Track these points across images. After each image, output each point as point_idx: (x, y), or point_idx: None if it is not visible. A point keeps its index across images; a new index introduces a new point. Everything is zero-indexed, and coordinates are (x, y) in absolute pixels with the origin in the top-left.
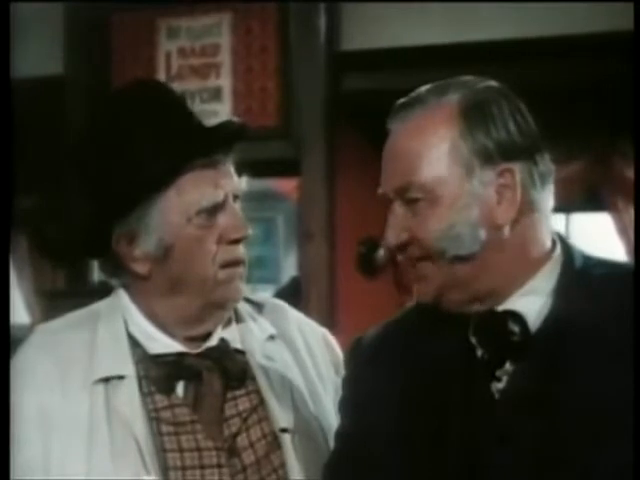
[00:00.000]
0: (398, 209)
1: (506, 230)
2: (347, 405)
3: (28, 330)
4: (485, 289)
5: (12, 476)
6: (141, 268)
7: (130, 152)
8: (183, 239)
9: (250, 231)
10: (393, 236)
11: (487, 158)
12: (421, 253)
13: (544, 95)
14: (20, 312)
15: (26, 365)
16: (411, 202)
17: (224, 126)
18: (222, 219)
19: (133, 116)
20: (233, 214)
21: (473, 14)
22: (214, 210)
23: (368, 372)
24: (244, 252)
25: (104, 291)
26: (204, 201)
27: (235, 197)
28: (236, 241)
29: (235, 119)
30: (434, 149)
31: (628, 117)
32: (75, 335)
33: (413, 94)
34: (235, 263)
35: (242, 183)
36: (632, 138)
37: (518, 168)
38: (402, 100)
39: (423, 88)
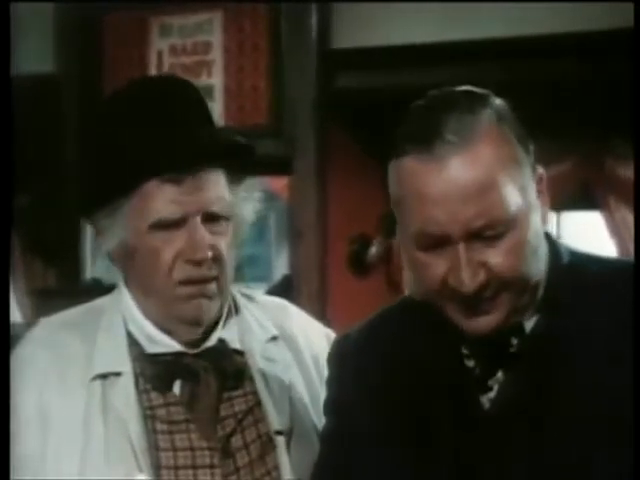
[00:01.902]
0: (466, 250)
1: None
2: (331, 407)
3: (20, 328)
4: (529, 307)
5: (11, 472)
6: (117, 264)
7: (106, 152)
8: (143, 247)
9: (210, 254)
10: (471, 280)
11: (533, 166)
12: (500, 289)
13: (536, 93)
14: (12, 311)
15: (26, 360)
16: (489, 238)
17: (202, 142)
18: (180, 237)
19: (120, 115)
20: (192, 234)
21: (466, 12)
22: (171, 226)
23: (351, 373)
24: (212, 270)
25: (96, 289)
26: (159, 215)
27: (210, 216)
28: (195, 262)
29: (227, 133)
30: (505, 173)
31: (621, 116)
32: (76, 332)
33: (433, 111)
34: (196, 282)
35: (221, 201)
36: (630, 138)
37: (543, 171)
38: (426, 120)
39: (438, 103)
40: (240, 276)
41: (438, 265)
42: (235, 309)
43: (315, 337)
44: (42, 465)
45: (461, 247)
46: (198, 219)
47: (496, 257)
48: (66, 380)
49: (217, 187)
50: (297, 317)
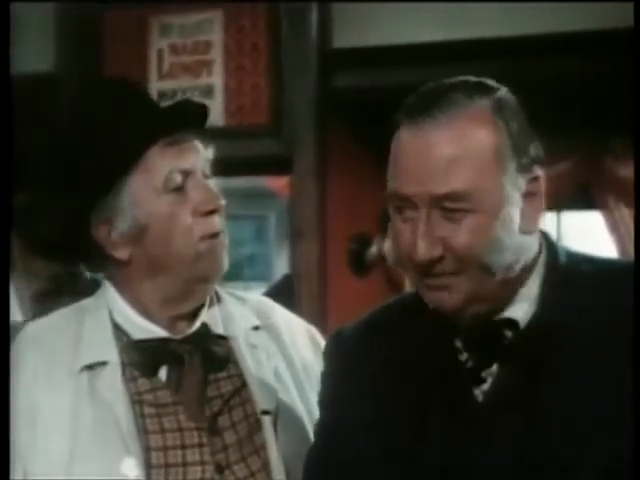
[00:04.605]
0: (428, 218)
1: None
2: (326, 401)
3: (20, 328)
4: (502, 299)
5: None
6: (121, 253)
7: (96, 141)
8: (156, 217)
9: (223, 202)
10: (426, 250)
11: (524, 165)
12: (456, 267)
13: (536, 93)
14: (12, 310)
15: (14, 360)
16: (449, 211)
17: (181, 106)
18: (192, 193)
19: (99, 109)
20: (203, 187)
21: (466, 12)
22: (182, 185)
23: (347, 367)
24: (221, 223)
25: (95, 290)
26: (170, 175)
27: (206, 176)
28: (210, 212)
29: (193, 99)
30: (481, 156)
31: (620, 115)
32: (62, 328)
33: (435, 91)
34: (213, 234)
35: (209, 154)
36: (630, 138)
37: (542, 174)
38: (424, 97)
39: (444, 85)
40: (240, 275)
41: (407, 232)
42: (217, 299)
43: (298, 333)
44: (32, 459)
45: (422, 214)
46: (200, 175)
47: (455, 233)
48: (54, 375)
49: (202, 149)
50: (280, 312)
